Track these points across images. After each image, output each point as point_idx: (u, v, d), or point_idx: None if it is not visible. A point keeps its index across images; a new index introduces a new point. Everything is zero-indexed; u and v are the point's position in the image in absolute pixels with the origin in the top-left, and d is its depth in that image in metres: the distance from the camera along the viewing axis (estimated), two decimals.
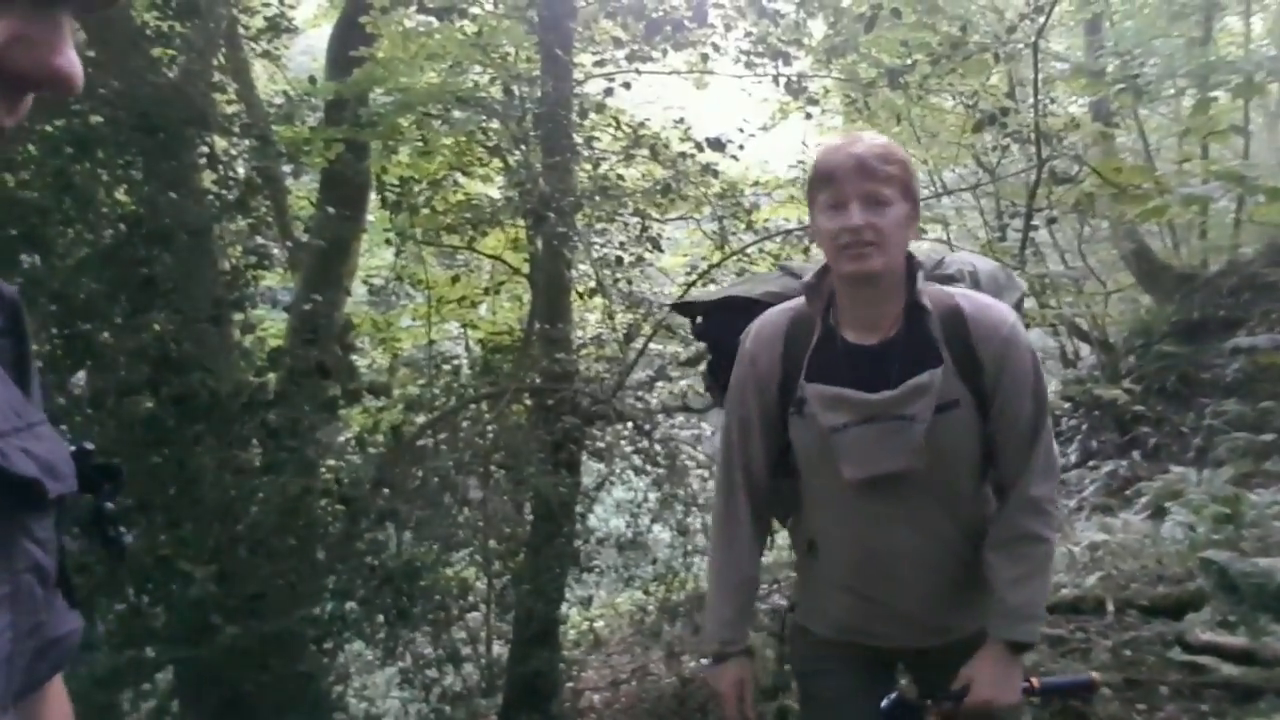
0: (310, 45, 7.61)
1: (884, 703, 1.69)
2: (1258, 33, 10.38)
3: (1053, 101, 6.04)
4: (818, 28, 5.38)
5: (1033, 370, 1.62)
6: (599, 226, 4.95)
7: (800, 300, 1.69)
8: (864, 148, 1.56)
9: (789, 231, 5.17)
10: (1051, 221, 5.23)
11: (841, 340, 1.62)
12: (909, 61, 4.77)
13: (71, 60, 0.56)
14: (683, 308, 2.16)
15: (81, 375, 3.58)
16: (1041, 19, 4.91)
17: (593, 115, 4.81)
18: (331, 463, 4.32)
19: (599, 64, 5.01)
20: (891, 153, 1.58)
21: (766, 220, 5.68)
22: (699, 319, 2.01)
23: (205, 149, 3.99)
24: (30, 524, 0.60)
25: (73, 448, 0.68)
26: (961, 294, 1.66)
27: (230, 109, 4.47)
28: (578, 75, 5.02)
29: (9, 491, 0.57)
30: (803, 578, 1.87)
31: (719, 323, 1.90)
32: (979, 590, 1.70)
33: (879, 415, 1.58)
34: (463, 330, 6.24)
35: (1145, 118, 8.85)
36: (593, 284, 4.77)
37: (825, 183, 1.57)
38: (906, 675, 1.97)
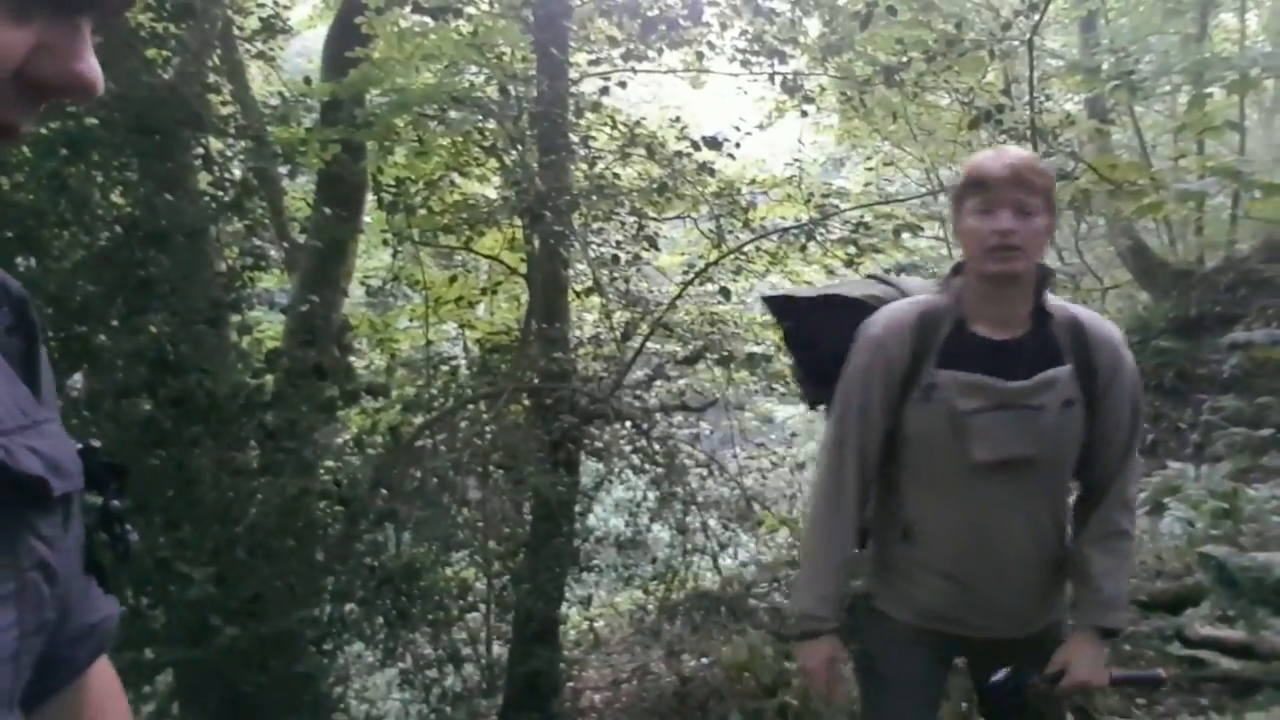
0: (305, 46, 7.61)
1: (994, 678, 1.79)
2: (1253, 29, 10.40)
3: (1048, 99, 6.05)
4: (813, 26, 5.39)
5: (1135, 380, 1.79)
6: (595, 226, 4.94)
7: (923, 297, 1.85)
8: (1017, 159, 1.71)
9: (786, 230, 5.17)
10: None
11: (972, 334, 1.76)
12: (904, 59, 4.77)
13: (92, 66, 0.57)
14: (776, 301, 2.20)
15: (79, 377, 3.57)
16: (1036, 16, 4.91)
17: (589, 114, 4.80)
18: (330, 464, 4.32)
19: (594, 63, 5.00)
20: (1041, 167, 1.74)
21: (764, 218, 5.68)
22: (786, 316, 2.09)
23: (201, 150, 3.99)
24: (36, 522, 0.60)
25: (79, 445, 0.68)
26: (1075, 307, 1.84)
27: (225, 110, 4.46)
28: (573, 74, 5.02)
29: (14, 489, 0.57)
30: (888, 564, 1.92)
31: (815, 320, 2.00)
32: (1058, 587, 1.86)
33: (1011, 403, 1.71)
34: (460, 331, 6.24)
35: (1140, 114, 8.86)
36: (590, 283, 4.76)
37: (978, 188, 1.70)
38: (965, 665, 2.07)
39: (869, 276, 2.23)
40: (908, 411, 1.77)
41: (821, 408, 1.99)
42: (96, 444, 0.69)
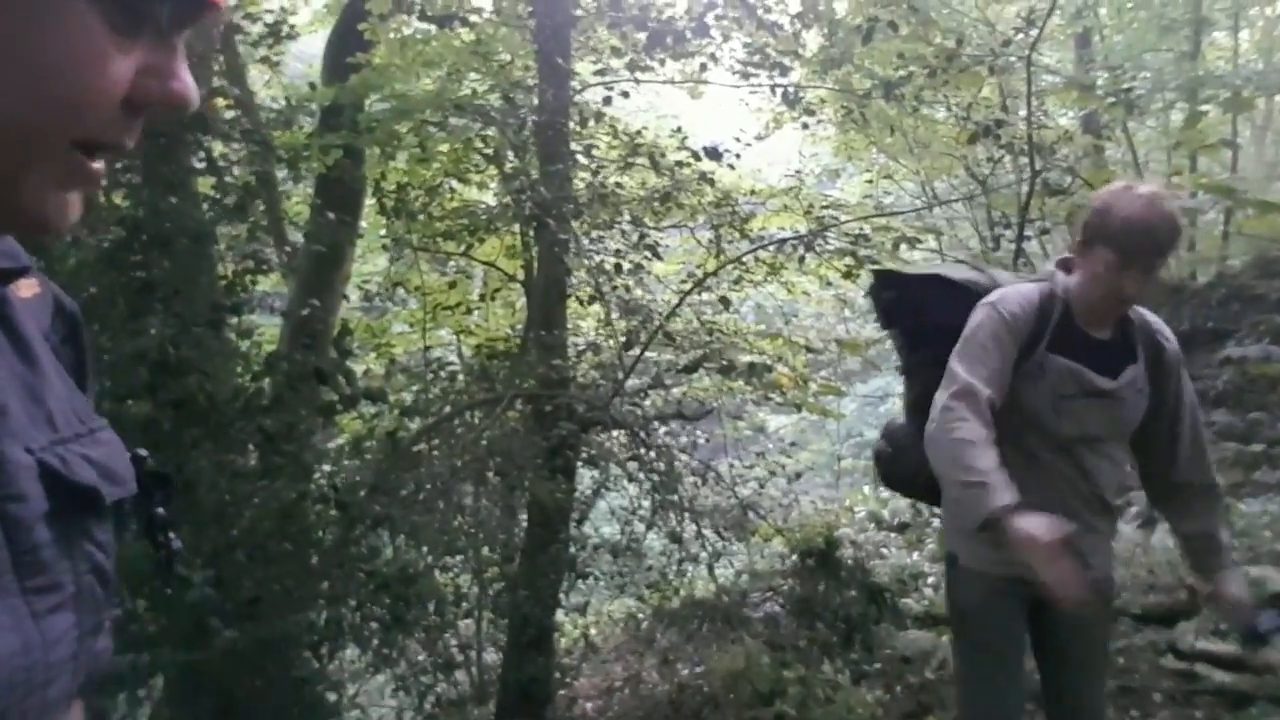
0: (302, 50, 7.62)
1: (1262, 627, 2.11)
2: (1245, 47, 10.51)
3: (1046, 114, 6.10)
4: (813, 39, 5.42)
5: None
6: (595, 234, 4.95)
7: (1038, 285, 2.12)
8: (1167, 228, 1.93)
9: (786, 240, 5.19)
10: (1044, 233, 5.28)
11: (1077, 328, 2.06)
12: (905, 73, 4.81)
13: (189, 83, 0.58)
14: (886, 274, 2.48)
15: None
16: (1035, 31, 4.96)
17: (591, 123, 4.81)
18: (326, 468, 4.31)
19: (600, 73, 5.02)
20: (1179, 226, 1.99)
21: (761, 229, 5.71)
22: (889, 288, 2.39)
23: (204, 154, 4.00)
24: (92, 527, 0.62)
25: (128, 453, 0.69)
26: (1145, 313, 2.15)
27: (229, 114, 4.46)
28: (575, 83, 5.04)
29: (70, 497, 0.59)
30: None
31: (922, 295, 2.30)
32: (1111, 537, 2.22)
33: (1100, 395, 2.04)
34: (455, 337, 6.25)
35: (1133, 130, 8.94)
36: (591, 291, 4.77)
37: (1123, 250, 1.93)
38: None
39: (959, 261, 2.46)
40: (1019, 383, 2.04)
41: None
42: (144, 453, 0.71)
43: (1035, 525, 1.76)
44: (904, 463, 2.35)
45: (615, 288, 4.79)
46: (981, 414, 1.93)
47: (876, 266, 2.74)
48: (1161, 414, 2.12)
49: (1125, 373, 2.05)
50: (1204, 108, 6.55)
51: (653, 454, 4.72)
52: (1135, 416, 2.08)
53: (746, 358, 5.21)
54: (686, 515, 4.72)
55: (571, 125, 4.74)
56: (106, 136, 0.56)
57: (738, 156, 4.91)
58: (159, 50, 0.56)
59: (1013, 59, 5.19)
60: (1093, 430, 2.05)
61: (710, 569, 4.83)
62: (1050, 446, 2.06)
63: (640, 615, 5.56)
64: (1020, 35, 5.02)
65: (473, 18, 4.88)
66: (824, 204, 5.57)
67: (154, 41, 0.56)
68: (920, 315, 2.27)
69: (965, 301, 2.14)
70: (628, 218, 4.84)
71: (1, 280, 0.62)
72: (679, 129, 5.08)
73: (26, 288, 0.66)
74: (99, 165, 0.57)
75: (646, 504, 4.91)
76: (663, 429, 5.02)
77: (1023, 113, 5.09)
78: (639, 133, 5.08)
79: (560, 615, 5.07)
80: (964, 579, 2.17)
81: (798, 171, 5.93)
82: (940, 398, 2.00)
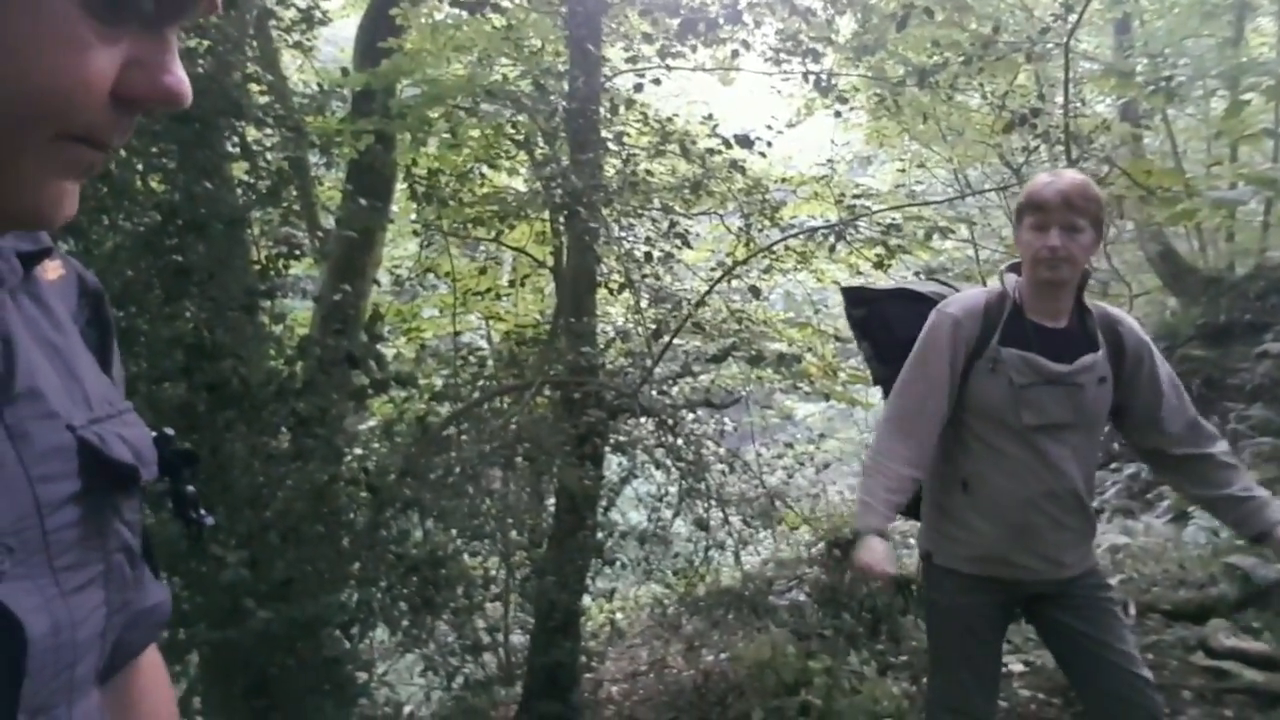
0: (333, 35, 7.64)
1: None
2: None
3: (1083, 103, 5.99)
4: (846, 25, 5.36)
5: (1158, 353, 2.19)
6: (625, 221, 4.94)
7: (986, 288, 2.24)
8: (1069, 186, 2.05)
9: (817, 229, 5.15)
10: None
11: (1028, 320, 2.13)
12: (940, 60, 4.74)
13: (181, 78, 0.55)
14: (854, 291, 2.58)
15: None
16: (1073, 18, 4.87)
17: (622, 110, 4.79)
18: (358, 451, 4.36)
19: (630, 60, 5.00)
20: (1090, 192, 2.06)
21: (792, 217, 5.67)
22: (859, 305, 2.49)
23: (238, 139, 4.03)
24: (122, 506, 0.63)
25: (154, 434, 0.71)
26: (1106, 306, 2.22)
27: (262, 99, 4.49)
28: (607, 70, 5.02)
29: (106, 475, 0.60)
30: (946, 516, 2.22)
31: (890, 310, 2.40)
32: (1090, 535, 2.21)
33: (1058, 380, 2.09)
34: (485, 322, 6.28)
35: (1172, 118, 8.76)
36: (620, 279, 4.77)
37: (1035, 209, 2.08)
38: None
39: (928, 278, 2.55)
40: (975, 380, 2.12)
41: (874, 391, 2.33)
42: (170, 432, 0.72)
43: (872, 553, 2.10)
44: None
45: (645, 275, 4.79)
46: (908, 433, 2.14)
47: (845, 285, 2.89)
48: (1139, 395, 2.15)
49: (1082, 359, 2.10)
50: (1246, 96, 6.40)
51: (681, 441, 4.73)
52: (1099, 406, 2.12)
53: (775, 346, 5.20)
54: (713, 503, 4.74)
55: (602, 112, 4.72)
56: (94, 134, 0.53)
57: (769, 144, 4.87)
58: (148, 42, 0.54)
59: (1050, 46, 5.09)
60: (1054, 418, 2.09)
61: (736, 557, 4.84)
62: (1015, 439, 2.11)
63: (666, 601, 5.58)
64: (1058, 21, 4.92)
65: (504, 3, 4.88)
66: (855, 192, 5.51)
67: (142, 33, 0.53)
68: (889, 330, 2.38)
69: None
70: (658, 205, 4.82)
71: (28, 262, 0.61)
72: (710, 116, 5.05)
73: (52, 270, 0.66)
74: (97, 153, 0.54)
75: (674, 491, 4.93)
76: (691, 417, 5.03)
77: (1059, 100, 5.00)
78: (670, 120, 5.05)
79: (587, 600, 5.11)
80: (937, 576, 2.24)
81: (829, 160, 5.86)
82: (883, 415, 2.21)
